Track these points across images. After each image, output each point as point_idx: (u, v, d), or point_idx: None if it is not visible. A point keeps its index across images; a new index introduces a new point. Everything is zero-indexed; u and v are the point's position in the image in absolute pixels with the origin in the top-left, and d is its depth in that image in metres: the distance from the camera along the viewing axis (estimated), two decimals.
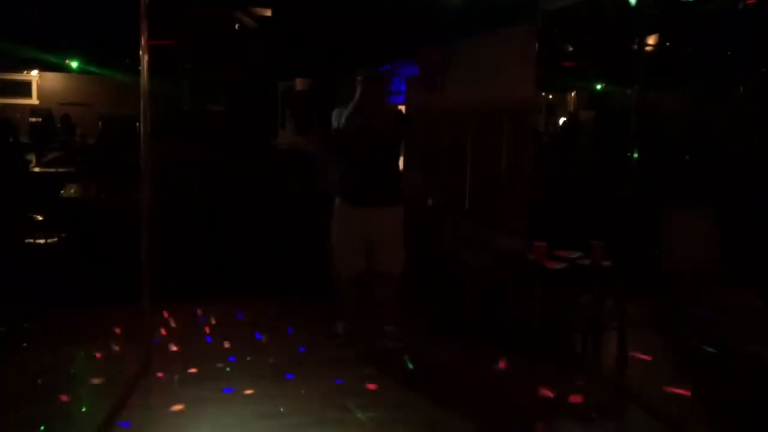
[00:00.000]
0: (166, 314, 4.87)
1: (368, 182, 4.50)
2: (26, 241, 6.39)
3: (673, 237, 4.85)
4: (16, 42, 8.20)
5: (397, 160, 4.79)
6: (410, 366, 4.27)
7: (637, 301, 4.99)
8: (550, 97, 14.30)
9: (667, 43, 6.92)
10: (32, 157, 9.19)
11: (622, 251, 4.06)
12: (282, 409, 3.59)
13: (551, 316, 4.78)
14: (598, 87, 12.39)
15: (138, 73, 3.78)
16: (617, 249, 4.28)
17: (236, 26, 6.52)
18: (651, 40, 6.88)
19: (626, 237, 3.94)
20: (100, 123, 11.80)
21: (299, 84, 11.54)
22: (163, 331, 4.65)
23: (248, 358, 4.28)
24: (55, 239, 6.43)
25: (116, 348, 4.33)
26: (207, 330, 4.79)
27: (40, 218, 6.73)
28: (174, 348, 4.38)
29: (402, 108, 8.10)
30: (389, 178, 4.61)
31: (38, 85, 13.39)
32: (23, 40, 8.16)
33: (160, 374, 3.95)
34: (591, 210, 6.03)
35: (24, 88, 13.32)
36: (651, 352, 4.63)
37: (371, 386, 3.93)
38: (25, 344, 4.38)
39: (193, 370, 4.05)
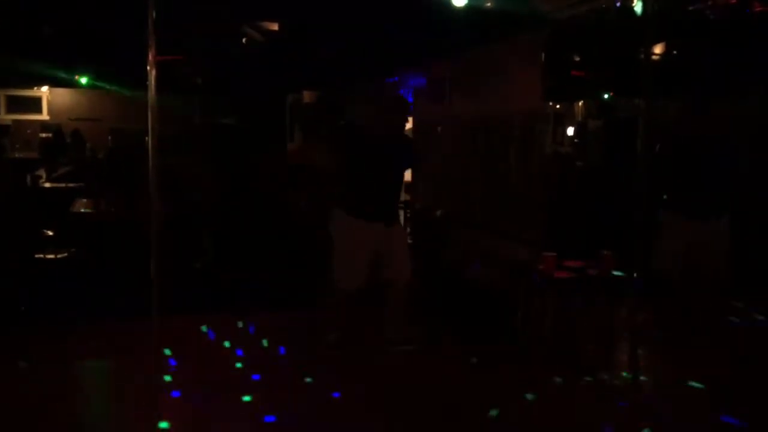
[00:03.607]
0: (175, 328, 4.87)
1: (377, 197, 4.49)
2: (36, 256, 6.42)
3: (679, 246, 4.82)
4: (27, 58, 8.27)
5: (402, 176, 4.76)
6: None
7: (646, 310, 4.95)
8: (558, 107, 14.27)
9: (674, 52, 6.90)
10: (42, 173, 9.24)
11: (631, 260, 4.03)
12: None
13: (562, 326, 4.75)
14: (606, 96, 12.36)
15: (147, 87, 3.80)
16: (626, 258, 4.25)
17: (243, 40, 6.56)
18: (658, 49, 6.86)
19: (634, 246, 3.91)
20: (109, 138, 11.88)
21: (307, 97, 11.58)
22: (171, 346, 4.65)
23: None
24: (65, 254, 6.46)
25: (124, 362, 4.33)
26: (215, 344, 4.80)
27: (51, 233, 6.76)
28: (183, 363, 4.39)
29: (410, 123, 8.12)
30: (395, 194, 4.63)
31: (48, 101, 13.48)
32: (34, 57, 8.23)
33: (168, 390, 3.96)
34: (600, 219, 6.00)
35: (34, 104, 13.41)
36: (660, 361, 4.60)
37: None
38: (34, 358, 4.39)
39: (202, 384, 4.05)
